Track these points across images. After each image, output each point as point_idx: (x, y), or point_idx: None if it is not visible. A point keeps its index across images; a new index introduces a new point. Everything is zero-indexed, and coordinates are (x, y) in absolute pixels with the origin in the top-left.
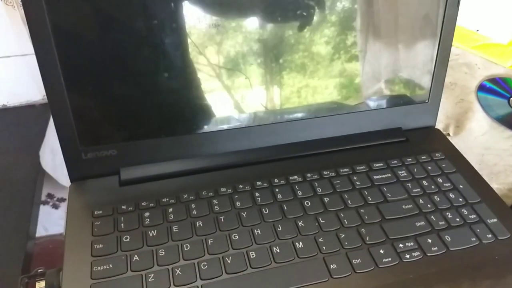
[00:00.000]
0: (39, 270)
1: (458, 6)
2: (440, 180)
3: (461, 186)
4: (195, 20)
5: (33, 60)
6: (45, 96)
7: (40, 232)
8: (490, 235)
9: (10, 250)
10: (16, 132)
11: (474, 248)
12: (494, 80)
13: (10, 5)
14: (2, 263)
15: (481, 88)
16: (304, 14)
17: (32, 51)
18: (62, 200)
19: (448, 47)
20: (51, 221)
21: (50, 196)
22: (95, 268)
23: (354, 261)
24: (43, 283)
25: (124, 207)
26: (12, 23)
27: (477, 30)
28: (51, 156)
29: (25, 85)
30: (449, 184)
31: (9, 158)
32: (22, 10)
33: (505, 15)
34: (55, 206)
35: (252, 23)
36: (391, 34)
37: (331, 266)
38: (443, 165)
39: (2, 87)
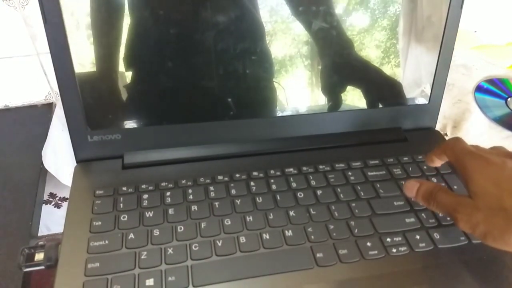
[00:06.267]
0: (40, 243)
1: (461, 8)
2: (434, 180)
3: (455, 187)
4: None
5: (35, 60)
6: (47, 97)
7: (43, 231)
8: None
9: (13, 249)
10: (18, 132)
11: (462, 247)
12: (491, 81)
13: (12, 6)
14: (4, 262)
15: (479, 89)
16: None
17: (34, 52)
18: (64, 199)
19: (450, 49)
20: (53, 220)
21: (52, 195)
22: (91, 243)
23: (341, 252)
24: (42, 255)
25: (124, 188)
26: (14, 24)
27: (475, 31)
28: (54, 156)
29: (27, 85)
30: (443, 184)
31: (11, 158)
32: (24, 11)
33: (503, 17)
34: (57, 206)
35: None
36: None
37: (318, 255)
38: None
39: (4, 87)
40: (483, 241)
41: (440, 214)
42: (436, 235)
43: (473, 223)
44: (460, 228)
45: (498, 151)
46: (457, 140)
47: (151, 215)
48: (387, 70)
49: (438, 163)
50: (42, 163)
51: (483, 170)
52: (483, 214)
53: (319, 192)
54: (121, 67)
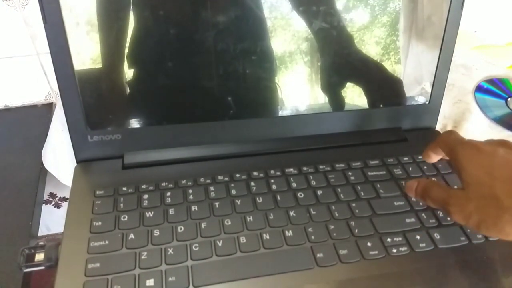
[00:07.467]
0: (40, 243)
1: (462, 8)
2: (435, 180)
3: (455, 187)
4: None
5: (35, 60)
6: (47, 97)
7: (43, 231)
8: (480, 236)
9: (13, 249)
10: (18, 132)
11: (463, 247)
12: (491, 81)
13: (12, 6)
14: (4, 262)
15: (479, 89)
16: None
17: (34, 52)
18: (64, 199)
19: (450, 50)
20: (53, 220)
21: (52, 195)
22: (92, 244)
23: (341, 252)
24: (42, 255)
25: (124, 188)
26: (14, 24)
27: (475, 31)
28: (54, 156)
29: (27, 85)
30: (442, 183)
31: (11, 158)
32: (24, 11)
33: (503, 17)
34: (57, 206)
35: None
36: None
37: (318, 255)
38: (440, 165)
39: (4, 87)
40: (477, 231)
41: (440, 214)
42: (437, 235)
43: (465, 213)
44: (454, 220)
45: (490, 140)
46: (450, 132)
47: (151, 215)
48: (388, 67)
49: (435, 158)
50: (42, 163)
51: (474, 158)
52: (475, 204)
53: (319, 192)
54: (121, 67)
